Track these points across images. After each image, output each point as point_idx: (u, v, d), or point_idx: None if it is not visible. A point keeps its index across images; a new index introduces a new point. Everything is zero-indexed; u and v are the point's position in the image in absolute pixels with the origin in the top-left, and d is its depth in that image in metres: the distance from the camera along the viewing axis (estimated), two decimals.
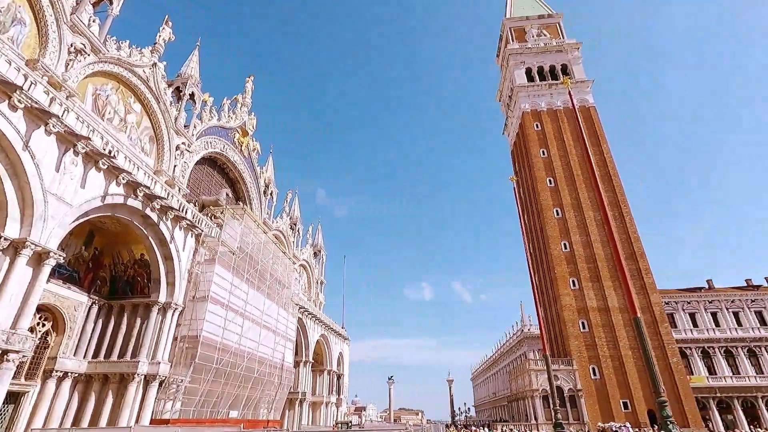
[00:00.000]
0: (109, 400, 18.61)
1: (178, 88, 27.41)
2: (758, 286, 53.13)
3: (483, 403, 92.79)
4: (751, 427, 41.29)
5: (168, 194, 20.93)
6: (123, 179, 18.07)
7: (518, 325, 60.94)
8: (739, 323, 49.34)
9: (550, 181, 53.01)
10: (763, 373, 46.27)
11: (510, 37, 65.28)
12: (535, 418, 43.68)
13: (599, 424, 31.68)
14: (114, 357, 19.43)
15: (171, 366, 20.06)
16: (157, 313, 20.36)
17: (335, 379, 44.58)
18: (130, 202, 18.68)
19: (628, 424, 29.28)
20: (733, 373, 46.55)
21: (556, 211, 51.07)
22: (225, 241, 23.39)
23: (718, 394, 45.25)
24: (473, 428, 46.28)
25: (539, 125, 56.88)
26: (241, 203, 31.04)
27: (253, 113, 35.88)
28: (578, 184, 51.94)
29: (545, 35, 64.12)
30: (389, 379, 55.32)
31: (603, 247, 47.43)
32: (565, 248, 48.76)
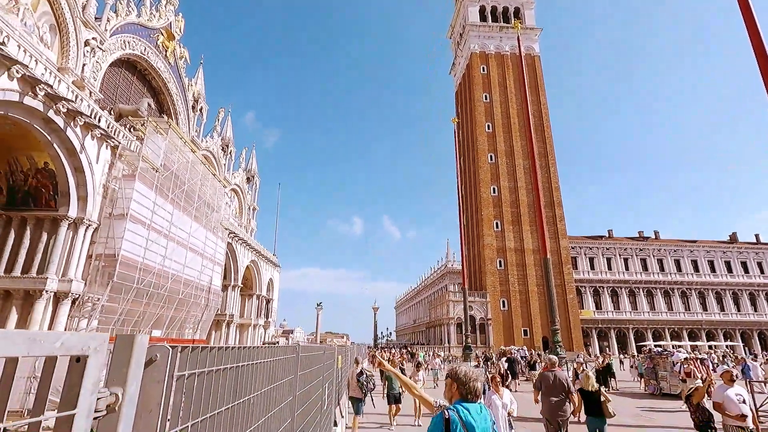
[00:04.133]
0: (13, 317, 17.40)
1: None
2: (647, 238, 61.16)
3: (404, 328, 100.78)
4: (620, 351, 49.68)
5: (76, 97, 18.35)
6: (17, 72, 15.40)
7: (443, 261, 65.25)
8: (627, 268, 57.10)
9: (488, 126, 54.39)
10: (637, 309, 54.86)
11: None
12: (449, 342, 48.60)
13: (501, 347, 36.11)
14: (17, 272, 17.87)
15: (85, 284, 18.97)
16: (67, 229, 18.72)
17: (264, 303, 45.35)
18: (27, 101, 16.15)
19: (524, 347, 33.63)
20: (614, 309, 54.66)
21: (491, 156, 53.14)
22: (146, 156, 21.45)
23: (600, 325, 53.26)
24: (392, 350, 50.48)
25: (485, 68, 56.89)
26: (165, 116, 28.26)
27: (180, 14, 31.58)
28: (513, 132, 53.95)
29: None
30: (318, 305, 57.38)
31: (527, 193, 50.87)
32: (494, 192, 51.61)
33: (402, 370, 18.08)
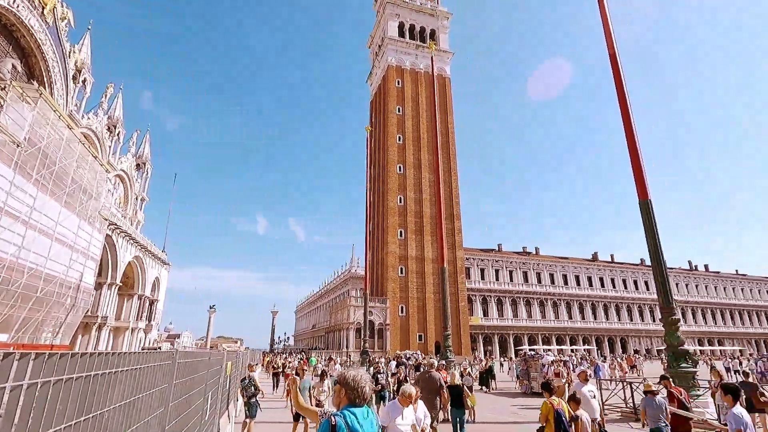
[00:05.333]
0: None
1: None
2: (529, 253, 68.52)
3: (303, 333, 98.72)
4: (501, 355, 54.63)
5: None
6: None
7: (347, 266, 65.49)
8: (511, 279, 63.22)
9: (399, 138, 56.37)
10: (517, 316, 60.94)
11: None
12: (347, 347, 48.79)
13: (397, 351, 37.30)
14: None
15: None
16: None
17: (147, 304, 40.87)
18: None
19: (418, 352, 35.13)
20: (499, 316, 60.04)
21: (399, 167, 55.07)
22: (5, 126, 17.99)
23: (486, 331, 58.01)
24: (289, 356, 48.98)
25: (400, 82, 59.05)
26: (36, 83, 24.13)
27: None
28: (422, 146, 56.67)
29: None
30: (210, 307, 53.54)
31: (430, 205, 53.68)
32: (400, 202, 53.49)
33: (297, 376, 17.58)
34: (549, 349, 42.11)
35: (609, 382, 16.71)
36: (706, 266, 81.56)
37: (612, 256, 75.03)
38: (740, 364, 26.41)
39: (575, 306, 65.24)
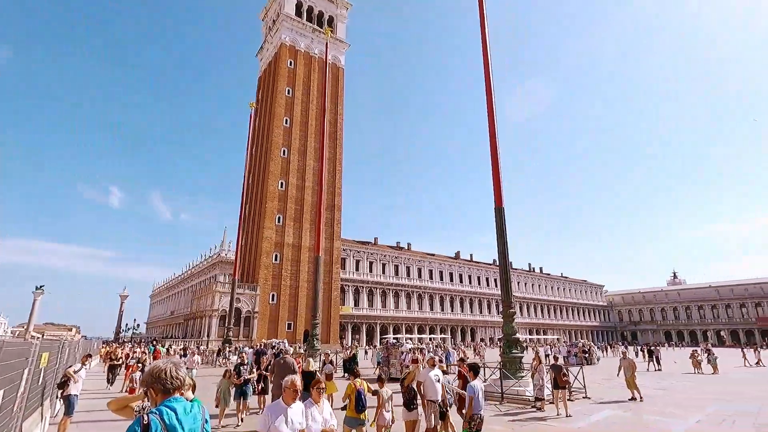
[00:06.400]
0: None
1: None
2: (402, 248, 72.71)
3: (158, 320, 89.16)
4: (368, 343, 57.07)
5: None
6: None
7: (216, 249, 60.97)
8: (384, 272, 66.29)
9: (286, 120, 54.40)
10: (385, 307, 64.23)
11: None
12: (208, 335, 45.56)
13: (263, 340, 36.08)
14: None
15: None
16: None
17: None
18: None
19: (285, 341, 34.51)
20: (369, 306, 62.52)
21: (284, 150, 53.19)
22: None
23: (355, 320, 59.89)
24: (130, 344, 43.76)
25: (293, 63, 56.95)
26: None
27: None
28: (309, 132, 55.63)
29: None
30: (37, 288, 44.77)
31: (312, 193, 53.08)
32: (281, 186, 51.76)
33: (143, 369, 15.71)
34: (410, 338, 45.38)
35: (456, 366, 18.65)
36: (540, 268, 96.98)
37: (471, 255, 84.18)
38: (551, 349, 32.12)
39: (437, 299, 71.52)
